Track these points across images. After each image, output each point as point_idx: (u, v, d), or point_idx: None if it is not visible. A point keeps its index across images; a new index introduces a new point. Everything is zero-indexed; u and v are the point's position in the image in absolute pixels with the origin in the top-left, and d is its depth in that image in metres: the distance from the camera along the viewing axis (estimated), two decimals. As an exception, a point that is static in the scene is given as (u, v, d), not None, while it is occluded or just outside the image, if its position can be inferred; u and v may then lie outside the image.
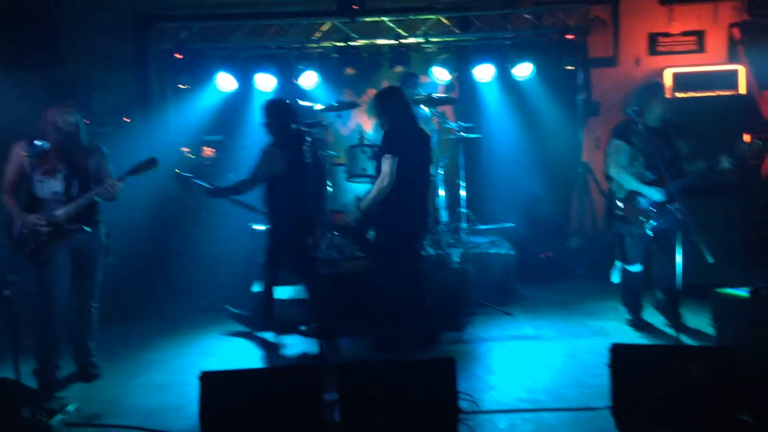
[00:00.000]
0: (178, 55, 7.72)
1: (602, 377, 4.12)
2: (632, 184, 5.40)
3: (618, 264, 5.83)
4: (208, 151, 7.74)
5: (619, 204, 5.47)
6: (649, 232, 5.42)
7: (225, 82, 7.97)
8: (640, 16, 8.20)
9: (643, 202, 5.39)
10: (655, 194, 5.31)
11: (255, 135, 8.11)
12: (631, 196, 5.42)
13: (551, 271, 7.44)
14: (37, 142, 4.21)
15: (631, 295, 5.78)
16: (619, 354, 4.00)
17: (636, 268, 5.64)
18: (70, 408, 4.28)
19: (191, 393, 3.73)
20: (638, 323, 5.72)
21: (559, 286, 7.18)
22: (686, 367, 3.78)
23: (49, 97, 4.83)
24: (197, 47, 7.89)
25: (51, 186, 4.62)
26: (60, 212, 4.59)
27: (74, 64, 7.92)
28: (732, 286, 4.67)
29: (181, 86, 7.84)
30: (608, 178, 5.64)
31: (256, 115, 8.18)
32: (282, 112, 5.36)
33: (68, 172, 4.66)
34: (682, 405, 3.75)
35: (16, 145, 4.65)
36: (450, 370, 3.82)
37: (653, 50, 8.25)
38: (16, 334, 3.77)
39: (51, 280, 4.66)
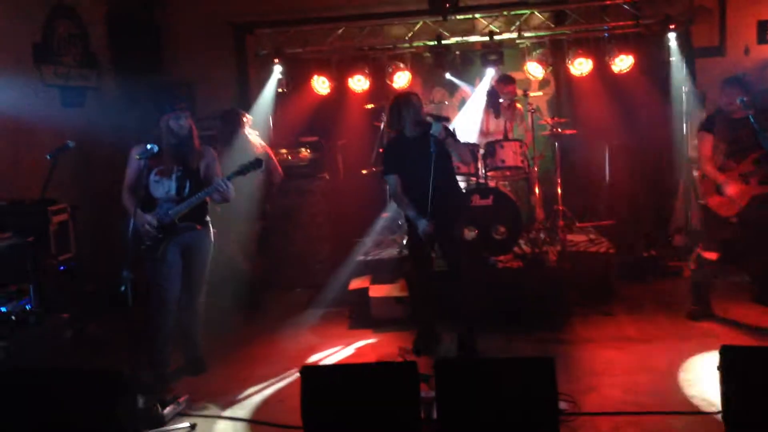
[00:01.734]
0: (275, 60, 7.94)
1: (711, 381, 3.97)
2: (712, 174, 5.41)
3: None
4: (305, 153, 7.93)
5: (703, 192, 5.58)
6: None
7: (320, 84, 8.15)
8: (748, 3, 7.77)
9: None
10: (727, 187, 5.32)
11: (350, 135, 8.32)
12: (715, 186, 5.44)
13: (654, 271, 7.16)
14: (148, 146, 4.45)
15: (699, 282, 5.75)
16: (731, 356, 3.82)
17: (710, 255, 5.57)
18: (182, 399, 4.50)
19: (293, 386, 3.83)
20: (696, 314, 5.68)
21: (663, 285, 6.90)
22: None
23: (159, 103, 5.05)
24: (293, 51, 8.09)
25: (165, 186, 4.88)
26: (173, 211, 4.83)
27: (177, 71, 8.32)
28: None
29: (279, 90, 8.05)
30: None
31: (350, 116, 8.42)
32: (403, 107, 5.30)
33: (181, 173, 4.91)
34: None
35: (134, 149, 4.93)
36: (550, 369, 3.75)
37: (763, 38, 7.81)
38: (132, 326, 3.99)
39: (163, 276, 4.92)
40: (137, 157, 4.67)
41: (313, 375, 3.92)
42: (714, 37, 7.94)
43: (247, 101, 8.22)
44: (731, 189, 5.30)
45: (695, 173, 5.77)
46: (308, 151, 7.94)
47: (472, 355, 5.11)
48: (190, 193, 4.87)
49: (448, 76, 7.92)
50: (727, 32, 7.92)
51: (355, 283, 6.58)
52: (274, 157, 6.95)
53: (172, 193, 4.88)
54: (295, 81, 8.21)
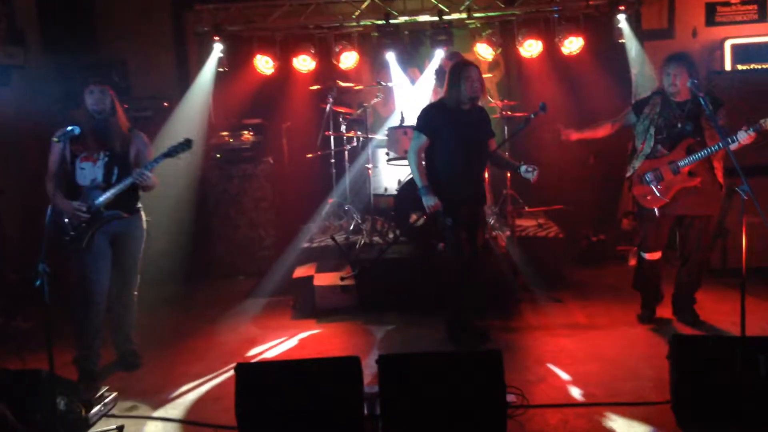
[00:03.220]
0: (216, 38, 7.58)
1: (661, 369, 3.89)
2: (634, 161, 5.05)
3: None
4: (247, 135, 7.62)
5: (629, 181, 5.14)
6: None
7: (263, 64, 7.84)
8: (697, -15, 7.75)
9: (647, 178, 4.93)
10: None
11: (295, 117, 8.03)
12: (638, 174, 5.01)
13: (603, 255, 7.11)
14: (68, 128, 4.11)
15: (644, 284, 5.24)
16: (681, 345, 3.74)
17: (652, 255, 5.11)
18: (109, 398, 4.21)
19: (230, 383, 3.60)
20: (647, 317, 5.21)
21: (612, 270, 6.84)
22: (754, 360, 3.49)
23: (85, 82, 4.70)
24: (235, 29, 7.74)
25: (91, 173, 4.56)
26: (100, 199, 4.51)
27: (113, 50, 7.87)
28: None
29: (219, 69, 7.70)
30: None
31: (294, 98, 8.13)
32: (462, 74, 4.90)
33: (108, 159, 4.59)
34: (748, 400, 3.47)
35: (55, 133, 4.57)
36: (497, 362, 3.60)
37: (711, 21, 7.82)
38: (49, 324, 3.68)
39: (91, 266, 4.61)
40: (55, 140, 4.33)
41: (248, 372, 3.69)
42: (663, 20, 7.91)
43: (186, 81, 7.87)
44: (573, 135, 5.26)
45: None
46: (251, 133, 7.64)
47: (481, 338, 4.99)
48: (118, 180, 4.55)
49: (387, 56, 7.64)
50: (675, 14, 7.90)
51: (300, 271, 6.36)
52: None
53: (99, 181, 4.56)
54: (237, 60, 7.87)
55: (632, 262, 5.39)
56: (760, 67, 7.01)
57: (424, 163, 5.03)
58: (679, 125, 4.83)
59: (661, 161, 4.88)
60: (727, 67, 7.55)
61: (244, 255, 7.39)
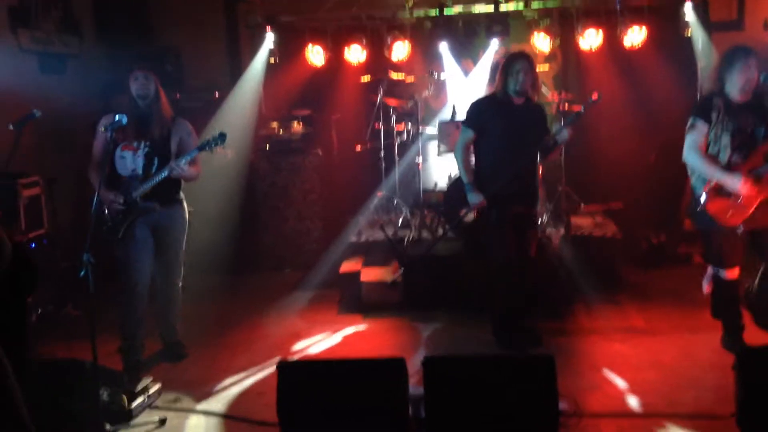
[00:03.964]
0: (268, 28, 7.52)
1: (725, 380, 3.64)
2: (711, 171, 4.24)
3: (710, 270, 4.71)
4: (297, 127, 7.55)
5: (698, 196, 4.35)
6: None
7: (315, 55, 7.75)
8: (770, -27, 7.31)
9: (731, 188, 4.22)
10: (735, 183, 4.16)
11: (344, 109, 7.93)
12: (717, 187, 4.27)
13: (663, 257, 6.79)
14: (116, 117, 4.07)
15: (726, 308, 4.58)
16: (749, 356, 3.50)
17: (732, 273, 4.46)
18: (152, 390, 4.18)
19: (275, 379, 3.51)
20: (734, 344, 4.42)
21: (673, 273, 6.53)
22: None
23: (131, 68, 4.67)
24: (287, 20, 7.67)
25: (132, 163, 4.54)
26: (137, 191, 4.48)
27: (166, 40, 7.89)
28: None
29: (271, 60, 7.65)
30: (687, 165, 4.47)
31: (345, 89, 8.03)
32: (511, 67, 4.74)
33: (149, 149, 4.55)
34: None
35: (101, 121, 4.56)
36: (549, 368, 3.43)
37: (784, 11, 7.36)
38: (93, 314, 3.66)
39: (132, 256, 4.59)
40: (102, 129, 4.30)
41: (290, 370, 3.60)
42: (732, 10, 7.50)
43: (237, 71, 7.84)
44: (745, 187, 4.12)
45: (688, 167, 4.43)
46: (300, 125, 7.56)
47: (533, 341, 4.80)
48: (157, 171, 4.50)
49: (440, 48, 7.44)
50: (746, 5, 7.47)
51: (347, 266, 6.26)
52: None
53: (138, 172, 4.53)
54: (288, 51, 7.79)
55: (707, 289, 4.74)
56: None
57: (473, 158, 4.86)
58: (749, 129, 4.24)
59: (739, 171, 4.21)
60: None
61: (292, 247, 7.32)
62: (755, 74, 4.20)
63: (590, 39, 7.29)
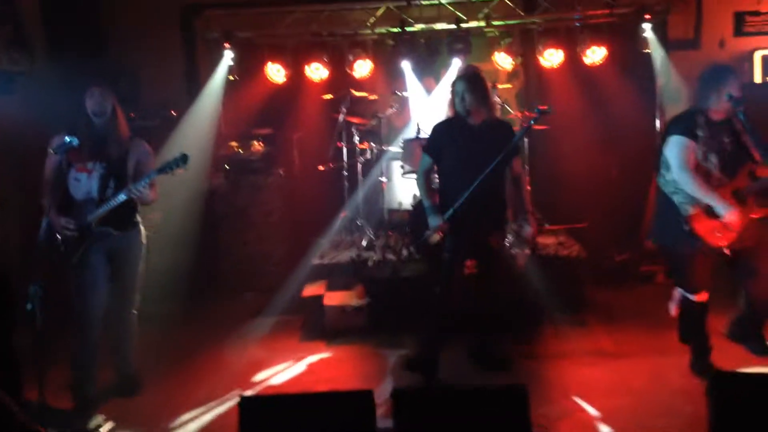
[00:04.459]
0: (226, 45, 7.35)
1: (698, 405, 3.56)
2: (702, 192, 4.16)
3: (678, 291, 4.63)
4: (257, 146, 7.36)
5: (687, 216, 4.23)
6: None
7: (274, 72, 7.59)
8: (724, -6, 7.43)
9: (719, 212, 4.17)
10: (725, 211, 4.11)
11: (306, 127, 7.78)
12: (705, 207, 4.22)
13: (627, 276, 6.79)
14: (67, 138, 3.86)
15: (695, 331, 4.52)
16: (722, 382, 3.43)
17: (702, 296, 4.42)
18: (105, 429, 3.95)
19: (235, 413, 3.32)
20: (703, 367, 4.43)
21: (638, 292, 6.51)
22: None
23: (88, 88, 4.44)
24: (246, 36, 7.51)
25: (86, 185, 4.32)
26: (92, 215, 4.26)
27: (120, 56, 7.64)
28: None
29: (230, 77, 7.47)
30: (665, 183, 4.39)
31: (306, 107, 7.89)
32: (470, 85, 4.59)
33: (104, 171, 4.33)
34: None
35: (51, 142, 4.33)
36: (522, 399, 3.31)
37: (739, 30, 7.49)
38: (41, 350, 3.43)
39: (85, 284, 4.34)
40: (52, 151, 4.08)
41: (252, 405, 3.41)
42: (689, 29, 7.59)
43: (195, 89, 7.62)
44: (734, 216, 4.09)
45: (667, 186, 4.35)
46: (261, 144, 7.38)
47: (497, 364, 4.73)
48: (113, 195, 4.28)
49: (403, 65, 7.36)
50: (702, 24, 7.58)
51: (310, 290, 6.08)
52: None
53: (94, 195, 4.30)
54: (247, 68, 7.62)
55: (674, 311, 4.67)
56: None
57: (438, 181, 4.76)
58: (730, 148, 4.24)
59: (725, 191, 4.21)
60: (757, 79, 7.24)
61: (252, 271, 7.11)
62: (739, 93, 4.17)
63: (551, 57, 7.31)
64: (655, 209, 4.67)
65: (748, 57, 7.31)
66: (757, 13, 7.43)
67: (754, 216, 4.23)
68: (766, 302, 4.49)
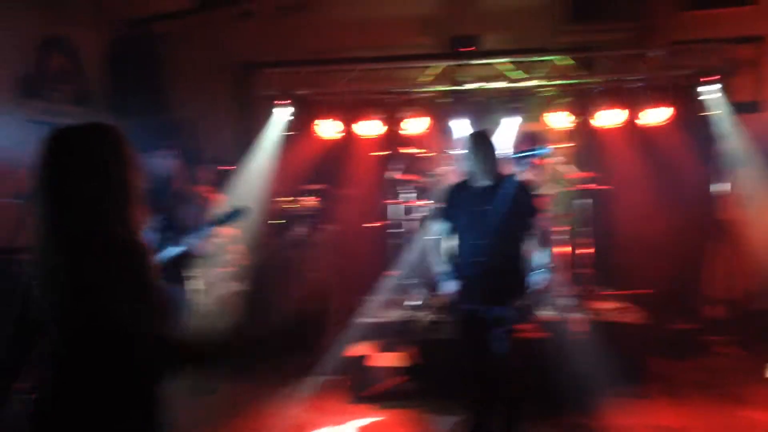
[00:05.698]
0: (282, 102, 7.44)
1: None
2: None
3: None
4: (310, 201, 7.36)
5: None
6: None
7: (329, 128, 7.63)
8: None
9: None
10: None
11: (359, 184, 7.76)
12: None
13: (689, 346, 6.45)
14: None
15: None
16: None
17: None
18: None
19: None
20: None
21: (700, 363, 6.18)
22: None
23: (152, 143, 4.50)
24: (302, 93, 7.60)
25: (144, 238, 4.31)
26: None
27: (179, 110, 7.81)
28: None
29: (284, 133, 7.53)
30: None
31: (359, 163, 7.87)
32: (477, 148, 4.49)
33: (163, 224, 4.33)
34: None
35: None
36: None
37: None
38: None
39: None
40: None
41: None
42: (753, 92, 7.38)
43: (250, 143, 7.70)
44: None
45: None
46: (313, 199, 7.38)
47: None
48: (171, 247, 4.28)
49: (453, 123, 7.28)
50: (765, 87, 7.36)
51: (358, 349, 5.93)
52: None
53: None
54: (302, 123, 7.67)
55: None
56: None
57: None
58: None
59: None
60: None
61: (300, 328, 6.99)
62: None
63: (610, 117, 7.15)
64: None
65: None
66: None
67: None
68: None
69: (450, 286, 4.39)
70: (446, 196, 4.58)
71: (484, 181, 4.38)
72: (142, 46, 7.68)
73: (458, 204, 4.46)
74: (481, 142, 4.42)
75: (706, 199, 7.35)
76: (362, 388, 5.59)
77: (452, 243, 4.56)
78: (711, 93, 6.95)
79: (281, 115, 7.46)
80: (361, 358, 5.78)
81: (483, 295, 4.29)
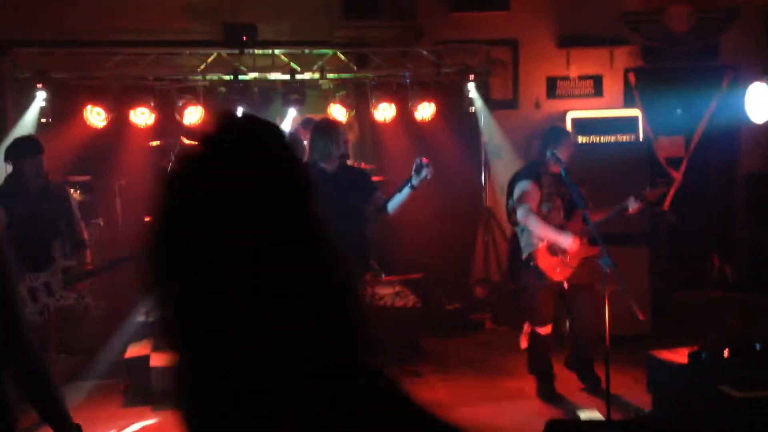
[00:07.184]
0: (39, 85, 6.76)
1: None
2: (544, 229, 4.76)
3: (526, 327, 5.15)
4: (73, 194, 6.76)
5: (530, 253, 4.84)
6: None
7: (94, 116, 7.06)
8: (538, 59, 8.05)
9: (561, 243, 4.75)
10: (568, 241, 4.71)
11: (130, 175, 7.29)
12: (548, 245, 4.80)
13: (458, 324, 6.98)
14: None
15: (541, 362, 5.03)
16: (554, 429, 3.56)
17: (546, 329, 4.97)
18: None
19: None
20: (549, 394, 4.96)
21: (469, 341, 6.70)
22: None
23: None
24: (61, 76, 6.96)
25: None
26: None
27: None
28: (663, 346, 4.36)
29: (42, 120, 6.85)
30: (514, 223, 5.04)
31: (131, 154, 7.39)
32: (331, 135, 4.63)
33: None
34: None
35: None
36: None
37: (552, 93, 8.12)
38: None
39: None
40: None
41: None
42: (509, 91, 8.12)
43: (3, 130, 6.90)
44: (575, 244, 4.66)
45: (516, 227, 5.01)
46: (78, 192, 6.79)
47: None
48: None
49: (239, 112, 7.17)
50: (519, 86, 8.14)
51: (133, 350, 5.61)
52: None
53: None
54: (63, 110, 7.03)
55: (524, 344, 5.11)
56: (599, 140, 7.34)
57: None
58: (567, 195, 4.79)
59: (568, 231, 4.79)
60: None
61: (67, 329, 6.44)
62: (567, 153, 4.82)
63: (384, 111, 7.46)
64: (509, 251, 5.05)
65: (562, 117, 7.93)
66: (566, 78, 8.11)
67: (585, 256, 4.76)
68: (587, 343, 4.90)
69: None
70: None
71: (330, 167, 4.53)
72: None
73: (326, 193, 4.37)
74: (334, 131, 4.62)
75: (472, 188, 7.96)
76: (139, 390, 5.29)
77: None
78: (473, 91, 7.54)
79: (38, 101, 6.78)
80: (137, 359, 5.47)
81: None
